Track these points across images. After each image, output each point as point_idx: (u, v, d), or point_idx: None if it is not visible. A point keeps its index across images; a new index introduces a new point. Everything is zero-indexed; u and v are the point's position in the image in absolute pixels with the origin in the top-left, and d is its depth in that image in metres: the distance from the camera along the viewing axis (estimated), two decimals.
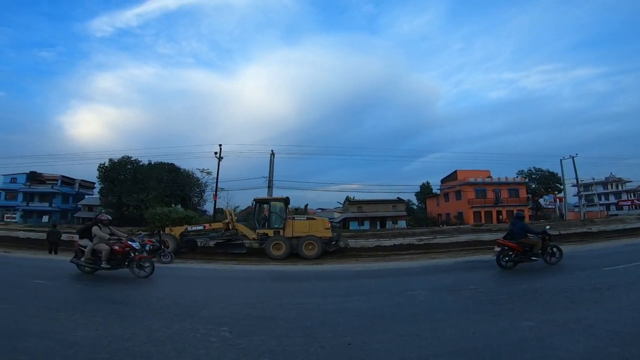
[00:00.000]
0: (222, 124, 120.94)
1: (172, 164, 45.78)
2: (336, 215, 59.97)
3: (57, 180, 55.31)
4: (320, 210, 70.76)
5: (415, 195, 57.75)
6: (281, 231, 15.13)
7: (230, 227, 15.87)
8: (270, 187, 29.44)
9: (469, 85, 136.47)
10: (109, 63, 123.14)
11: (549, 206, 51.12)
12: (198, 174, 46.37)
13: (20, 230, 29.34)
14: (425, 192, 56.47)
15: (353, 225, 47.45)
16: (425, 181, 57.89)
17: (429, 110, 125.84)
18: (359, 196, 54.86)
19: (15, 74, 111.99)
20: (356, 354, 3.42)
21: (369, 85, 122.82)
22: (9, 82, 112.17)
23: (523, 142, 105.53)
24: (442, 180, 52.51)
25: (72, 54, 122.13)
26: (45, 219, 50.80)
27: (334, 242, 15.35)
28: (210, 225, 17.37)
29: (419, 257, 13.61)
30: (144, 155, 61.57)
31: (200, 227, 17.13)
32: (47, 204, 53.66)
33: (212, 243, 16.31)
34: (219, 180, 29.17)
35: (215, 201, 29.66)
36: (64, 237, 15.78)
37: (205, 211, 47.40)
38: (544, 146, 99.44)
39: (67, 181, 56.80)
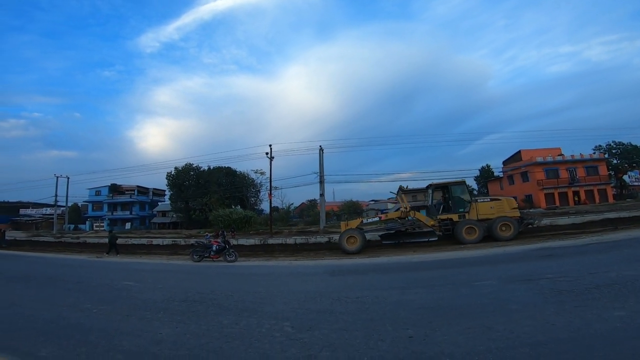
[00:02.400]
0: (271, 125, 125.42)
1: (229, 168, 48.40)
2: (390, 206, 58.66)
3: (133, 190, 61.98)
4: (373, 202, 69.91)
5: (475, 179, 54.17)
6: (466, 215, 14.39)
7: (412, 216, 15.11)
8: (321, 182, 29.74)
9: (523, 61, 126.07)
10: (163, 77, 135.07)
11: (635, 183, 44.54)
12: (253, 175, 48.60)
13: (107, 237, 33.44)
14: (486, 175, 52.71)
15: None
16: (484, 164, 54.14)
17: (481, 91, 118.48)
18: (413, 184, 53.12)
19: (86, 94, 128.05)
20: (418, 347, 3.32)
21: (413, 71, 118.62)
22: (83, 103, 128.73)
23: (595, 116, 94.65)
24: (505, 162, 48.44)
25: (130, 71, 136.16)
26: (128, 225, 57.33)
27: (525, 222, 14.44)
28: (385, 215, 16.91)
29: (484, 246, 12.76)
30: (204, 161, 66.44)
31: (376, 219, 16.75)
32: (128, 212, 60.47)
33: (378, 235, 15.57)
34: (272, 180, 30.17)
35: (270, 200, 30.77)
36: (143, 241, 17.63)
37: (262, 210, 49.57)
38: (621, 118, 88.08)
39: (142, 190, 63.32)
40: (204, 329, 4.31)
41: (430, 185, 16.54)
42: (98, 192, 61.56)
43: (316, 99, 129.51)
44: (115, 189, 61.11)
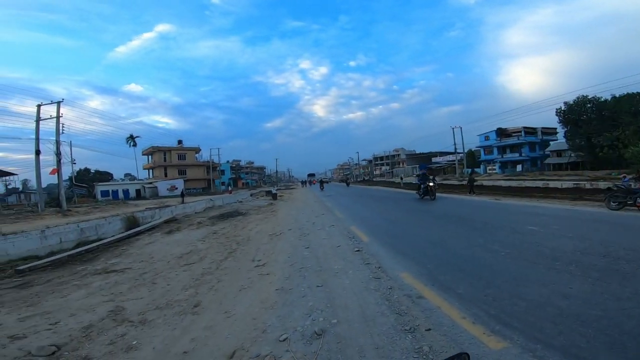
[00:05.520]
0: None
1: None
2: None
3: (520, 131, 60.34)
4: None
5: None
6: None
7: None
8: None
9: None
10: (504, 20, 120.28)
11: None
12: None
13: (501, 180, 35.26)
14: None
15: None
16: None
17: None
18: None
19: (447, 56, 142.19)
20: None
21: None
22: (449, 64, 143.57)
23: None
24: None
25: (471, 25, 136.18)
26: (519, 167, 57.33)
27: None
28: None
29: None
30: (599, 90, 52.57)
31: None
32: (517, 154, 60.15)
33: None
34: None
35: None
36: None
37: None
38: None
39: (529, 131, 60.14)
40: (628, 292, 3.63)
41: None
42: (487, 137, 65.98)
43: None
44: (501, 132, 62.66)
